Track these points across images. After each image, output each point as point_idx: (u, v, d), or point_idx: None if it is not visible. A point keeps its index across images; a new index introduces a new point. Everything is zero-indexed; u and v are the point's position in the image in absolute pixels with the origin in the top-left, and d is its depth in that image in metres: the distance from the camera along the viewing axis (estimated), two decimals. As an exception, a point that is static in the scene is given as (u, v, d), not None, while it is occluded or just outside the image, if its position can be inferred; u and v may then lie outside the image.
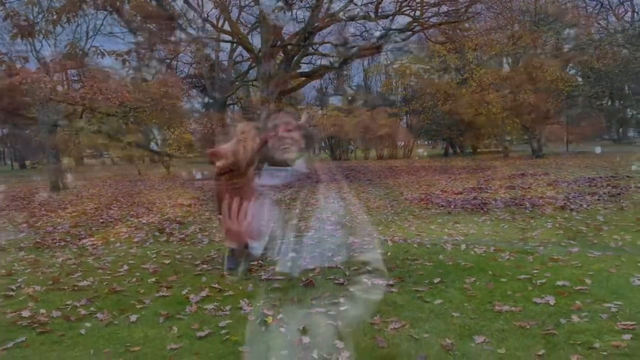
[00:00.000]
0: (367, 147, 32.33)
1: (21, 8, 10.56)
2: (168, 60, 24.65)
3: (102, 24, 18.06)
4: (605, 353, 2.85)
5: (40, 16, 11.56)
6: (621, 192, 9.29)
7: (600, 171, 13.81)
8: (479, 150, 30.99)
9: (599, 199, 8.73)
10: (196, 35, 22.96)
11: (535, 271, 4.53)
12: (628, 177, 11.68)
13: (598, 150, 23.61)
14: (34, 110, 14.43)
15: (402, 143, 33.21)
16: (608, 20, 31.28)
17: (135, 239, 6.95)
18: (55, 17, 10.47)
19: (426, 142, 37.00)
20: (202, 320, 3.72)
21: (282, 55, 20.69)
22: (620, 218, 7.02)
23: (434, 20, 21.12)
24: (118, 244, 6.65)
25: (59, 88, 12.36)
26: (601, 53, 20.90)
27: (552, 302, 3.70)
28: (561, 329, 3.22)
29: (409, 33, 20.53)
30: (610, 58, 20.65)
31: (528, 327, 3.31)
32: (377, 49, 20.94)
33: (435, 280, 4.42)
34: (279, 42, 20.11)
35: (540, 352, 2.93)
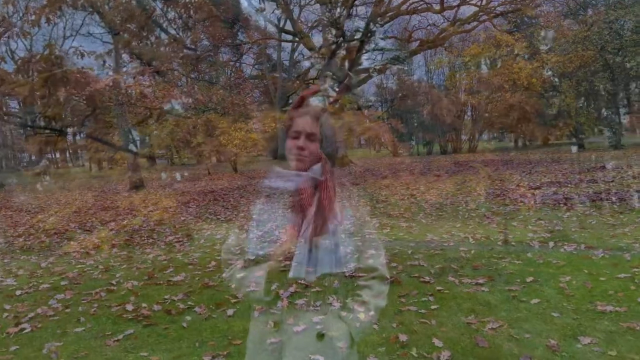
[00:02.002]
0: (430, 141, 31.71)
1: None
2: (232, 63, 25.35)
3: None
4: None
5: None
6: None
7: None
8: (550, 142, 29.62)
9: (695, 193, 8.13)
10: (259, 36, 23.45)
11: (636, 270, 4.30)
12: None
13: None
14: (112, 114, 15.31)
15: (467, 137, 32.32)
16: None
17: (217, 236, 7.21)
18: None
19: (492, 135, 35.81)
20: (295, 315, 3.80)
21: (344, 52, 20.71)
22: None
23: (500, 9, 20.47)
24: (202, 241, 6.93)
25: (132, 92, 13.04)
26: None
27: (661, 303, 3.50)
28: (677, 332, 3.04)
29: (475, 23, 20.00)
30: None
31: (638, 328, 3.14)
32: (442, 40, 20.54)
33: (528, 279, 4.29)
34: (341, 39, 20.15)
35: (658, 356, 2.78)
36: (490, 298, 3.94)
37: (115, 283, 5.02)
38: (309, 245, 1.62)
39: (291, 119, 1.60)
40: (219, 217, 9.10)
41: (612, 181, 10.41)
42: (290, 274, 1.69)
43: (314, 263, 1.66)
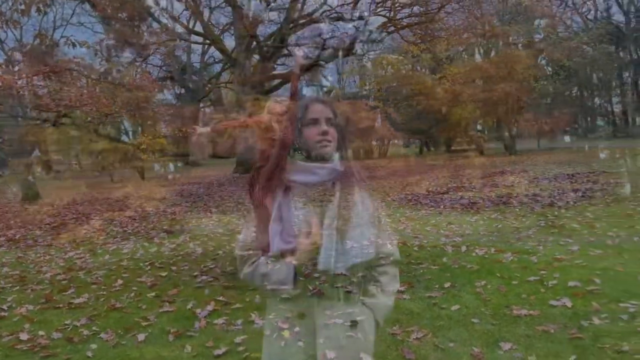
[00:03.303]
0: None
1: None
2: (137, 63, 24.09)
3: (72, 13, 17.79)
4: (637, 356, 2.84)
5: (5, 5, 11.21)
6: (603, 188, 9.49)
7: (576, 167, 14.12)
8: (452, 148, 31.38)
9: (583, 196, 8.89)
10: (167, 37, 22.50)
11: (543, 272, 4.53)
12: (605, 172, 11.95)
13: (567, 139, 24.27)
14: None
15: (377, 142, 33.30)
16: (572, 20, 32.33)
17: (124, 250, 6.71)
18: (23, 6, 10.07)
19: (399, 141, 37.19)
20: (215, 336, 3.57)
21: (258, 56, 20.47)
22: (609, 214, 7.15)
23: (406, 21, 21.35)
24: (107, 257, 6.39)
25: (25, 92, 11.88)
26: (569, 51, 21.48)
27: (568, 304, 3.69)
28: (586, 332, 3.20)
29: (384, 33, 20.67)
30: (579, 55, 21.25)
31: (552, 331, 3.28)
32: (352, 49, 20.96)
33: (446, 285, 4.38)
34: (254, 44, 19.89)
35: (572, 358, 2.90)
36: (413, 306, 3.95)
37: (6, 308, 4.44)
38: (336, 236, 1.64)
39: (304, 108, 1.59)
40: (125, 229, 8.50)
41: (512, 185, 11.15)
42: (320, 267, 1.68)
43: (342, 254, 1.71)
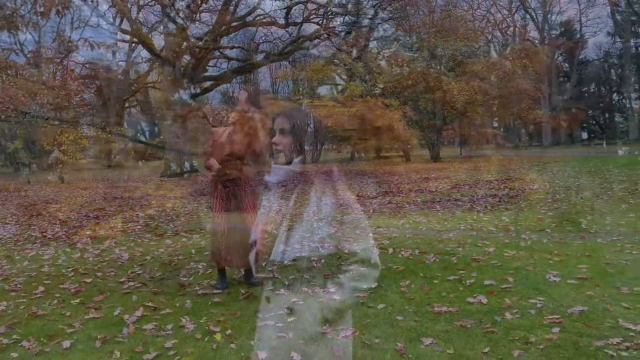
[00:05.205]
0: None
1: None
2: (58, 60, 22.94)
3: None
4: (541, 346, 3.14)
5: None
6: (518, 194, 10.22)
7: (494, 174, 15.05)
8: (381, 154, 32.31)
9: (500, 201, 9.54)
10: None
11: (462, 272, 4.85)
12: (520, 179, 12.86)
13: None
14: None
15: (310, 148, 33.66)
16: (493, 35, 34.44)
17: (45, 256, 6.39)
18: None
19: (332, 147, 37.79)
20: (144, 341, 3.52)
21: (190, 57, 20.10)
22: (523, 218, 7.73)
23: (338, 29, 21.90)
24: (26, 263, 6.06)
25: None
26: (491, 65, 22.85)
27: (484, 301, 3.99)
28: (499, 326, 3.49)
29: (317, 41, 21.01)
30: (498, 70, 22.65)
31: (469, 326, 3.54)
32: (286, 54, 21.11)
33: (373, 285, 4.57)
34: (185, 44, 19.53)
35: (486, 350, 3.15)
36: (342, 306, 4.10)
37: None
38: (286, 230, 1.91)
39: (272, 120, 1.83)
40: (45, 234, 8.07)
41: (436, 191, 11.71)
42: (271, 257, 1.95)
43: (290, 247, 1.96)
